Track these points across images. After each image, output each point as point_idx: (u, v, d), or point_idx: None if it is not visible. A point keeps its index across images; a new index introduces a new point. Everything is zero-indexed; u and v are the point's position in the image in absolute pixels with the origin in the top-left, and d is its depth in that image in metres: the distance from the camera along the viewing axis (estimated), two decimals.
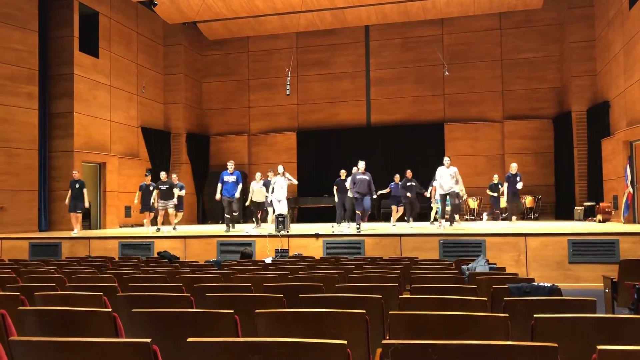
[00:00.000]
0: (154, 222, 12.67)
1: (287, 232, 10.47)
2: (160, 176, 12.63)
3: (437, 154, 17.40)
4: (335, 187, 13.02)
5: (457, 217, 11.79)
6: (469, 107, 17.67)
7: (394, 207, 13.43)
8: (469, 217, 16.10)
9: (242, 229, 12.34)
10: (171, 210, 12.51)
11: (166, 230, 12.18)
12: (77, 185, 12.08)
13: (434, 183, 12.06)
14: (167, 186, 12.47)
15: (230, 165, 12.11)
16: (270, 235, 10.29)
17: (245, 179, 16.27)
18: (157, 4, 15.34)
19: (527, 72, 17.22)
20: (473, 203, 16.19)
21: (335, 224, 12.84)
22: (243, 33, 18.74)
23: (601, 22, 14.69)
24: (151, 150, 17.27)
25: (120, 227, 15.19)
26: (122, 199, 15.58)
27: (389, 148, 17.99)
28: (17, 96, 13.44)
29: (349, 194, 12.02)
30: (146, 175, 13.00)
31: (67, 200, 12.15)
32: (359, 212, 11.03)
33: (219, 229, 12.77)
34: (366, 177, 11.03)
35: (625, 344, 1.98)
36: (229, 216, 12.03)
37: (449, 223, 11.34)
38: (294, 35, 19.01)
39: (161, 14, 16.57)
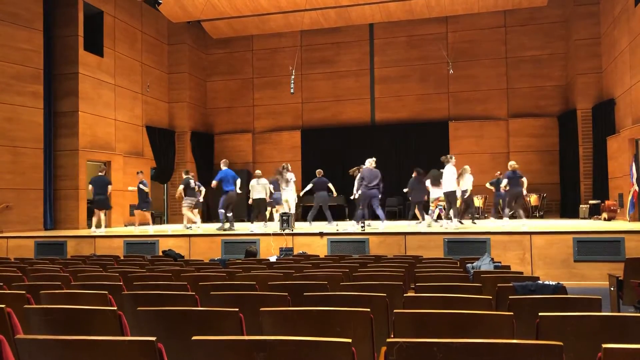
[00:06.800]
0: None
1: (292, 230, 10.48)
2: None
3: (442, 152, 17.31)
4: (310, 185, 12.99)
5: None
6: (474, 105, 17.61)
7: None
8: (478, 215, 15.19)
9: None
10: (183, 210, 12.96)
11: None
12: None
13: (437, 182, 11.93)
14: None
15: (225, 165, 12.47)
16: (274, 234, 10.30)
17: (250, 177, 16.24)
18: (161, 3, 15.33)
19: (532, 69, 17.14)
20: (477, 201, 15.59)
21: (335, 222, 12.78)
22: (247, 32, 18.74)
23: (607, 19, 14.60)
24: (156, 149, 17.30)
25: (125, 225, 15.23)
26: (127, 198, 15.59)
27: (394, 146, 17.94)
28: (23, 95, 13.50)
29: (356, 192, 11.91)
30: (138, 173, 12.91)
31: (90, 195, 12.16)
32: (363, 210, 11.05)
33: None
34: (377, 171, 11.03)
35: (631, 342, 1.97)
36: (230, 214, 12.04)
37: (455, 222, 11.03)
38: (298, 34, 18.98)
39: (166, 13, 16.59)
